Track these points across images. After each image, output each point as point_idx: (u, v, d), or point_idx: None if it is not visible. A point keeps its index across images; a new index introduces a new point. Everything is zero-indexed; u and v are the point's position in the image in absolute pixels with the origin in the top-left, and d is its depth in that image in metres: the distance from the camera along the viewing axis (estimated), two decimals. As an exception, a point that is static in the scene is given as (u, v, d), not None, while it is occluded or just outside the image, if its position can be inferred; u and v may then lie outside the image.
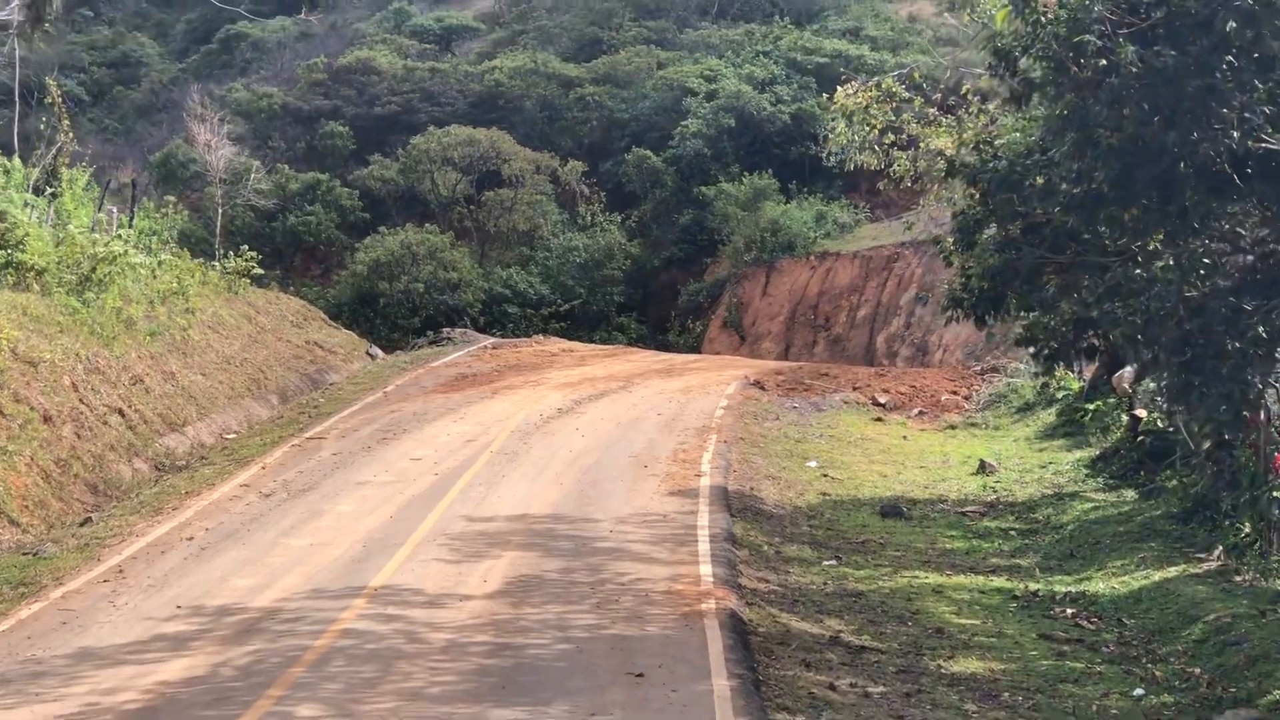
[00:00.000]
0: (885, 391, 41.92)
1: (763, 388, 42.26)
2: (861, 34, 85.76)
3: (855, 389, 42.53)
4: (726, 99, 78.41)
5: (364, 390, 43.30)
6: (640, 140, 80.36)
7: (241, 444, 36.15)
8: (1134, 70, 17.12)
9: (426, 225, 73.84)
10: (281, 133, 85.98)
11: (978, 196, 21.56)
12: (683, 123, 78.85)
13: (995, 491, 31.77)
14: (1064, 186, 19.21)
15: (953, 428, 38.48)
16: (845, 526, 28.70)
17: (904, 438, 37.37)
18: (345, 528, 26.55)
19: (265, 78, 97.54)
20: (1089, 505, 29.71)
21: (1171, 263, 18.37)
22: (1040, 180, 19.95)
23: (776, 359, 68.28)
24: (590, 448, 33.82)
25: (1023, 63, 18.85)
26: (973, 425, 38.58)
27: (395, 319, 69.25)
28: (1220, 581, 23.41)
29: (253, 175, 71.81)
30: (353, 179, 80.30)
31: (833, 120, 44.43)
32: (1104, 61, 17.39)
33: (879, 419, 39.43)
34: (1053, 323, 22.62)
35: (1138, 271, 18.77)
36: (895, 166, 44.39)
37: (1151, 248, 19.42)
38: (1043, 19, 17.97)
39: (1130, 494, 30.19)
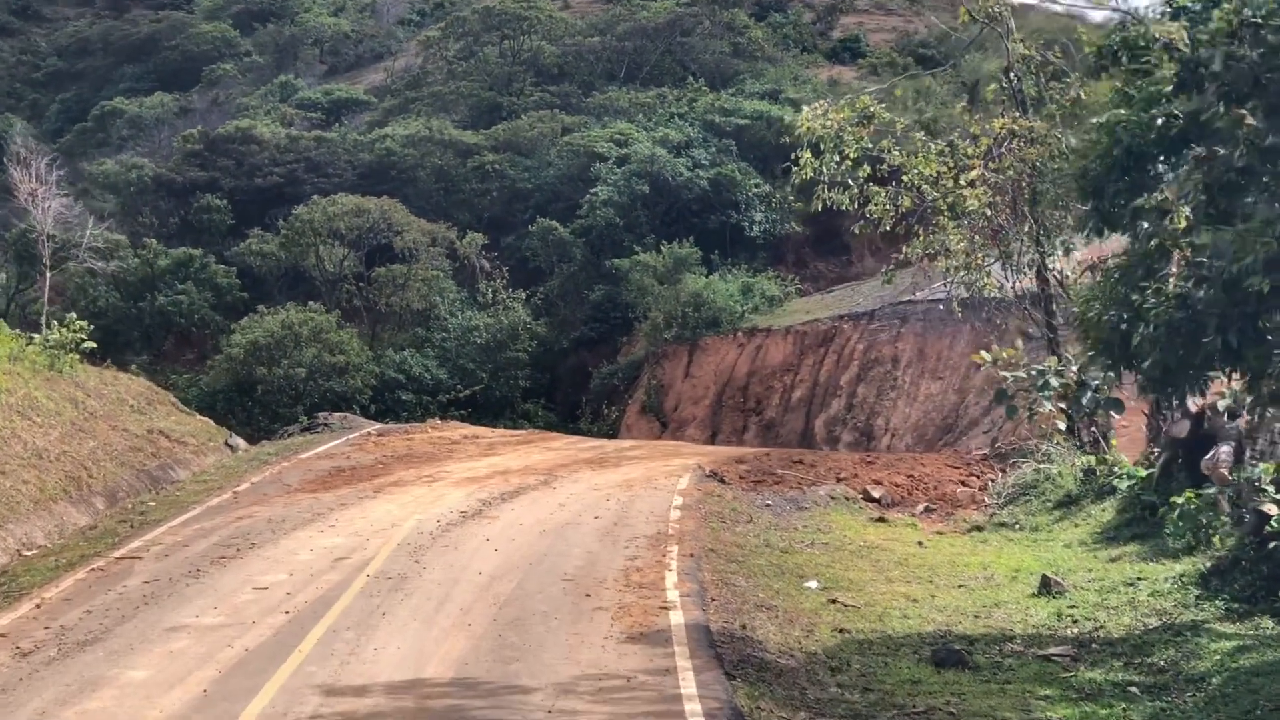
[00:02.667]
0: (877, 483, 31.60)
1: (723, 480, 31.82)
2: (781, 97, 76.34)
3: (839, 480, 32.03)
4: (639, 163, 68.76)
5: (211, 490, 32.42)
6: (545, 211, 70.65)
7: (33, 565, 25.43)
8: None
9: (310, 304, 63.22)
10: (153, 207, 75.29)
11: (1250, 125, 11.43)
12: (591, 190, 69.13)
13: (1075, 621, 21.64)
14: None
15: (979, 529, 28.10)
16: (889, 683, 18.50)
17: (920, 544, 26.97)
18: (128, 711, 16.08)
19: (142, 154, 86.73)
20: (1229, 644, 19.67)
21: None
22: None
23: (703, 446, 58.38)
24: (508, 567, 23.38)
25: None
26: (1003, 526, 28.23)
27: (275, 408, 58.69)
28: None
29: (89, 232, 60.66)
30: (230, 255, 69.95)
31: (795, 150, 34.49)
32: None
33: (880, 519, 28.99)
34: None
35: None
36: (872, 206, 34.66)
37: None
38: None
39: (1269, 623, 20.31)
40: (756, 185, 69.52)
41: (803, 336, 58.74)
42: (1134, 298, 13.40)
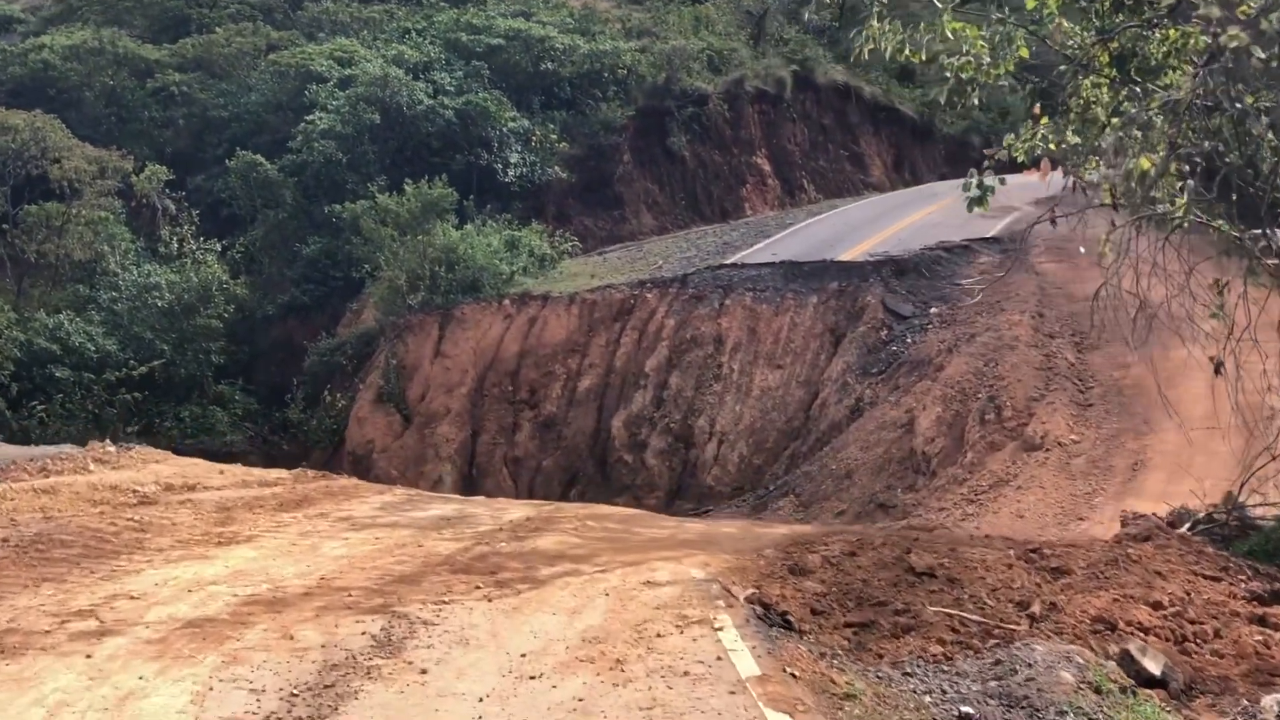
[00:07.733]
0: (1108, 625, 13.12)
1: (789, 624, 12.80)
2: (534, 19, 58.07)
3: (1033, 620, 12.98)
4: (368, 86, 49.96)
5: None
6: (246, 145, 51.26)
7: None
8: None
9: (-68, 250, 42.84)
10: None
11: None
12: (307, 119, 50.08)
13: None
14: None
15: None
16: None
17: None
18: None
19: None
20: None
21: None
22: None
23: (460, 449, 39.96)
24: None
25: None
26: None
27: (-124, 390, 38.72)
28: None
29: None
30: None
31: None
32: None
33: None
34: None
35: None
36: (955, 58, 16.94)
37: None
38: None
39: None
40: (513, 119, 51.45)
41: (591, 308, 41.09)
42: None
